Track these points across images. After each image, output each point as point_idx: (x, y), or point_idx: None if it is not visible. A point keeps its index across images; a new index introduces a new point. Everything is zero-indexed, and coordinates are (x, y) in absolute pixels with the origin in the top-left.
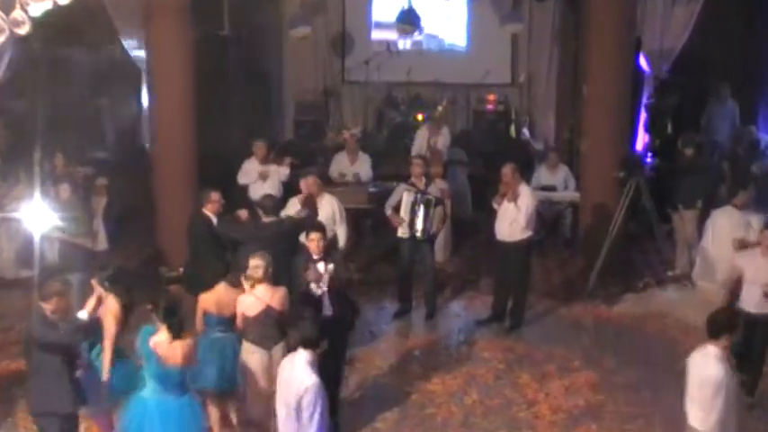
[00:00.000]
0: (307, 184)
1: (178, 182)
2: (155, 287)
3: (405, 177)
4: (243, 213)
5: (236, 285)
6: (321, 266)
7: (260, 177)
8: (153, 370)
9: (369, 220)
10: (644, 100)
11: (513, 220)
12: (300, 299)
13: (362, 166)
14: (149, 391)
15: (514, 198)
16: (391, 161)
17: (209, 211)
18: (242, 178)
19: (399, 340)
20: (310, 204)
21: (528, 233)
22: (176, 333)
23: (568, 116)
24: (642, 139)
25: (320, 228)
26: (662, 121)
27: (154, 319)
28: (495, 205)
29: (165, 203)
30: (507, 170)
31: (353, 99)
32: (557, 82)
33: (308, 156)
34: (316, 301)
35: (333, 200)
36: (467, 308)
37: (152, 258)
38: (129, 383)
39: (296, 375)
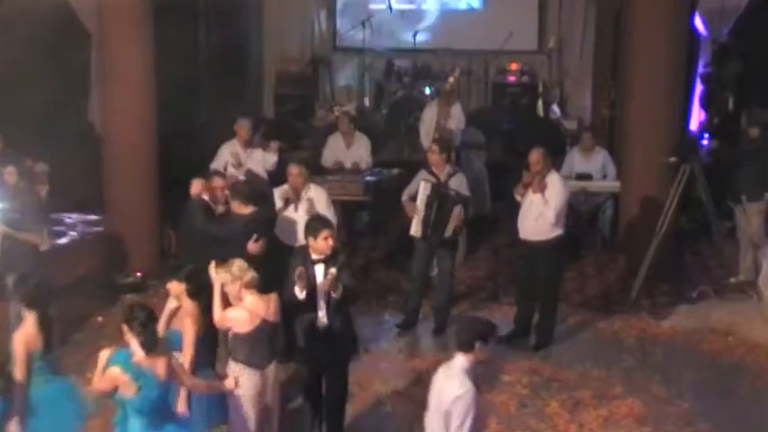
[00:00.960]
0: (290, 174)
1: (134, 170)
2: (109, 296)
3: (408, 164)
4: (219, 183)
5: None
6: (320, 270)
7: (233, 165)
8: (152, 395)
9: (365, 214)
10: (700, 69)
11: (539, 215)
12: (287, 304)
13: (361, 151)
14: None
15: (542, 188)
16: (392, 145)
17: (209, 199)
18: (217, 164)
19: (403, 360)
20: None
21: (557, 231)
22: (150, 346)
23: (608, 89)
24: (697, 117)
25: (329, 224)
26: (722, 95)
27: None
28: (517, 197)
29: (117, 196)
30: (536, 156)
31: (347, 69)
32: (594, 47)
33: (291, 138)
34: (305, 309)
35: (319, 192)
36: None
37: (103, 261)
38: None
39: (449, 384)
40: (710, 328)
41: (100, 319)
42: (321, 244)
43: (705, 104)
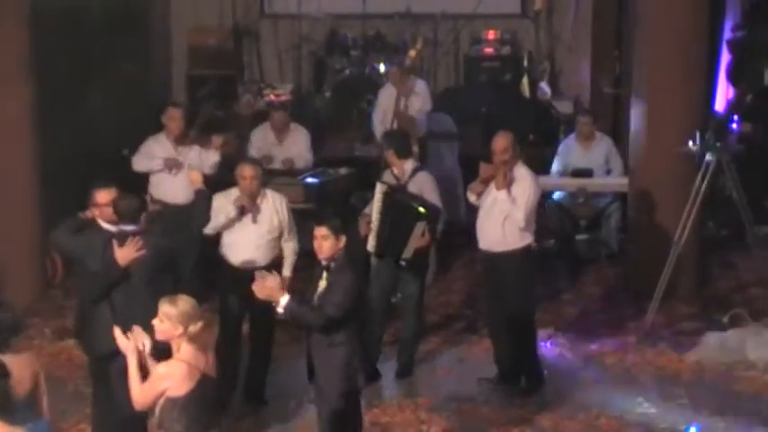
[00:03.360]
0: (242, 178)
1: (4, 174)
2: None
3: (361, 161)
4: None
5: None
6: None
7: (167, 166)
8: None
9: (309, 226)
10: (727, 34)
11: (506, 217)
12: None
13: (299, 146)
14: None
15: (507, 184)
16: (339, 137)
17: (101, 220)
18: (141, 161)
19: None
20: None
21: (527, 239)
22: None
23: (611, 61)
24: (724, 94)
25: (325, 220)
26: (755, 66)
27: None
28: (471, 198)
29: None
30: (504, 142)
31: (279, 42)
32: (593, 8)
33: (211, 130)
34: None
35: (278, 200)
36: (462, 360)
37: None
38: None
39: None
40: (747, 364)
41: None
42: (314, 243)
43: (734, 78)
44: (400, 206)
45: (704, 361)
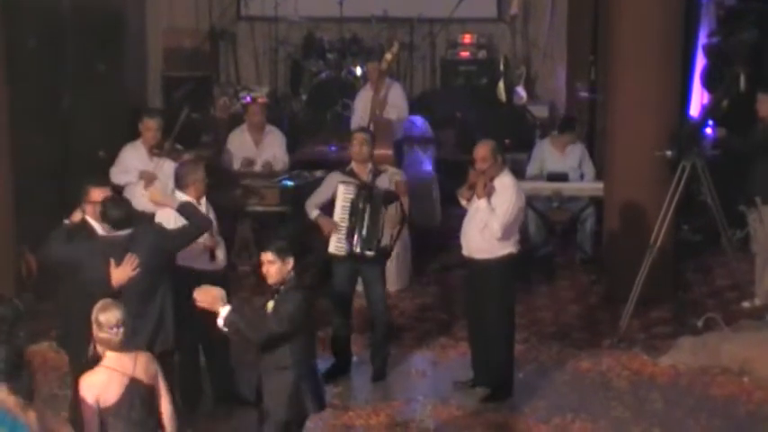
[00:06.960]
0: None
1: None
2: None
3: (336, 164)
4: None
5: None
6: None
7: (141, 179)
8: None
9: (284, 228)
10: (702, 39)
11: (484, 226)
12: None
13: (275, 148)
14: None
15: (488, 193)
16: (315, 140)
17: (91, 218)
18: (118, 175)
19: (334, 415)
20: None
21: (509, 248)
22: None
23: (586, 66)
24: (699, 100)
25: (271, 245)
26: (731, 72)
27: None
28: (462, 201)
29: None
30: (484, 150)
31: (255, 45)
32: (568, 13)
33: (186, 134)
34: None
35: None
36: (437, 363)
37: None
38: None
39: None
40: (721, 367)
41: None
42: (262, 269)
43: (710, 84)
44: (375, 196)
45: (678, 365)
